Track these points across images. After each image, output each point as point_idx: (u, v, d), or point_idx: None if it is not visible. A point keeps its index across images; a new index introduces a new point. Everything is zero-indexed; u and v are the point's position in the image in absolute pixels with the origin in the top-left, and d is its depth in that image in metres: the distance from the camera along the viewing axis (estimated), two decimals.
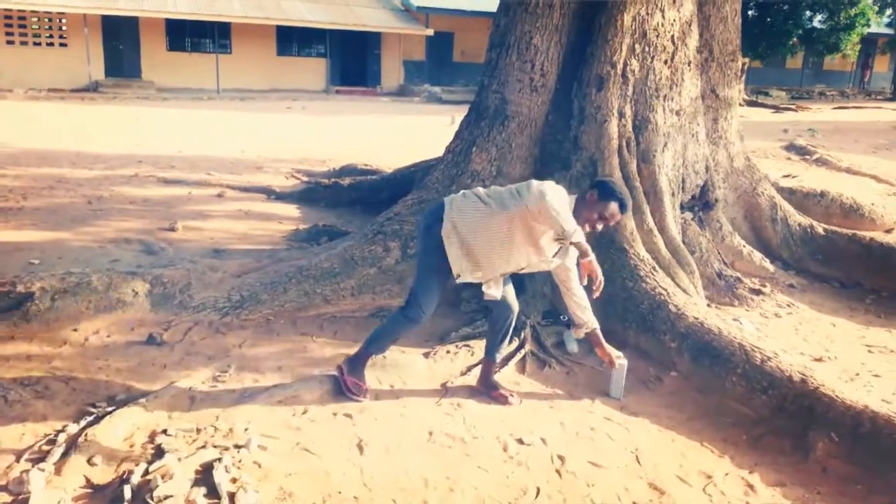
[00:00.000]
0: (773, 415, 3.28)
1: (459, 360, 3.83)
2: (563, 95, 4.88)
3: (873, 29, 28.16)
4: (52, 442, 2.85)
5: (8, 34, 22.27)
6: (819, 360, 4.10)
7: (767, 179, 6.08)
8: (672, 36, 4.87)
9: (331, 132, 14.55)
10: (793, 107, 24.25)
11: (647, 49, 4.81)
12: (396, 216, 4.81)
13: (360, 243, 4.66)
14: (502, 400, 3.44)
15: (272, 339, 4.04)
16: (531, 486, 2.79)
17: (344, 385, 3.37)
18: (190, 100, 21.57)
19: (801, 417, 3.17)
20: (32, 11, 21.90)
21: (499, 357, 3.55)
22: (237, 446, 2.87)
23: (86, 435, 2.84)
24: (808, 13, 23.36)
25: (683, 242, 4.90)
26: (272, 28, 25.35)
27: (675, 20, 4.85)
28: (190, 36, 24.75)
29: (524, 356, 3.92)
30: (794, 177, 9.62)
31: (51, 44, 23.07)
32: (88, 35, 22.27)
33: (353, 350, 3.52)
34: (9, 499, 2.51)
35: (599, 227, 3.16)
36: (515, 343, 4.00)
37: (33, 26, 22.69)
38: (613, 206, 3.13)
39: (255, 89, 24.97)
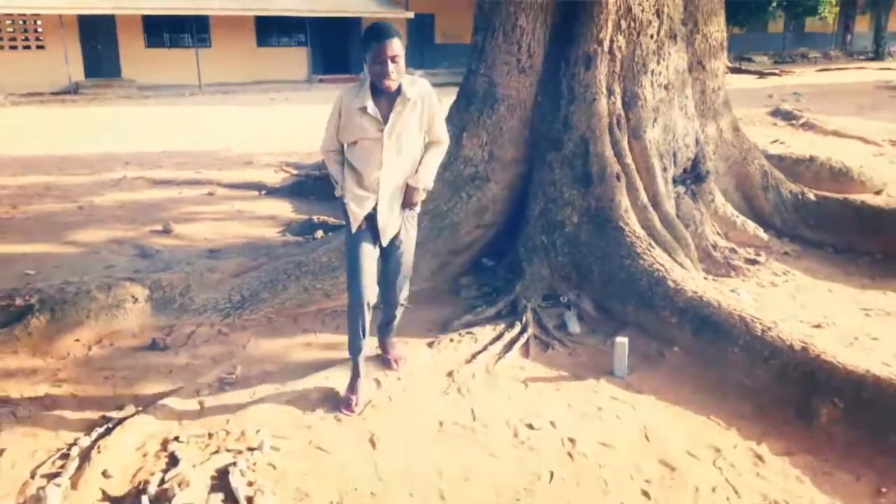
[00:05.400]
0: (776, 384, 3.31)
1: (463, 348, 3.84)
2: (551, 76, 4.86)
3: None
4: (66, 456, 2.85)
5: None
6: (818, 326, 4.13)
7: (757, 148, 6.09)
8: (657, 10, 4.84)
9: (317, 122, 14.42)
10: (776, 71, 24.29)
11: (632, 24, 4.79)
12: None
13: None
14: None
15: (275, 337, 4.05)
16: (544, 471, 2.82)
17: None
18: (172, 97, 21.39)
19: (804, 385, 3.20)
20: (6, 14, 21.59)
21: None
22: (250, 449, 2.89)
23: (98, 447, 2.85)
24: None
25: (678, 216, 4.92)
26: (251, 19, 25.11)
27: None
28: (168, 31, 24.49)
29: (527, 340, 3.95)
30: (781, 142, 9.65)
31: (27, 46, 22.79)
32: (65, 36, 22.00)
33: None
34: None
35: (385, 69, 3.15)
36: (518, 327, 4.02)
37: (8, 29, 22.39)
38: (372, 48, 3.11)
39: (237, 83, 24.77)
